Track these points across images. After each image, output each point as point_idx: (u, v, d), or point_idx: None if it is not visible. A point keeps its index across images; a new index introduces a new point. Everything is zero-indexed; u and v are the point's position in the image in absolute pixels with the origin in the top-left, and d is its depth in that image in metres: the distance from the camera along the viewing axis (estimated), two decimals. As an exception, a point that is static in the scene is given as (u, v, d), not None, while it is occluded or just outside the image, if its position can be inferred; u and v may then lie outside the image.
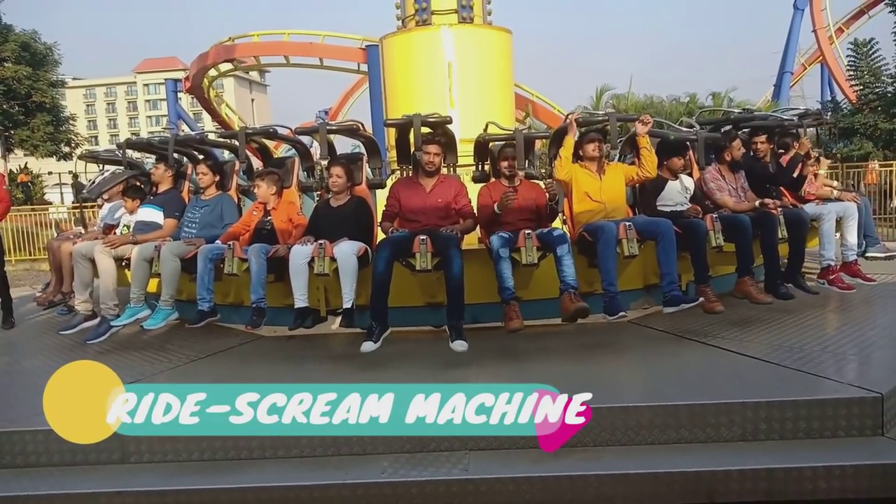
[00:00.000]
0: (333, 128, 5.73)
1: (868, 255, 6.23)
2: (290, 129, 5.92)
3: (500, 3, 10.92)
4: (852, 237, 5.83)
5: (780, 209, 5.31)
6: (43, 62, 29.20)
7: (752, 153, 5.99)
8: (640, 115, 5.12)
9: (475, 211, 5.10)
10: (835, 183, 6.42)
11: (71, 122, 32.19)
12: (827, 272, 5.64)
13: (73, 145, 31.20)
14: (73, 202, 22.00)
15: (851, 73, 20.37)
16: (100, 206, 6.47)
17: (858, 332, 4.72)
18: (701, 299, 4.67)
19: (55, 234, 7.99)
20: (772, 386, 3.68)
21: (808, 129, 6.89)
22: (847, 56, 21.18)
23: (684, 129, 5.47)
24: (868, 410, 3.41)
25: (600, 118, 5.04)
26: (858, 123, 18.85)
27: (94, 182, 6.34)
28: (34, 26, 29.79)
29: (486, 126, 5.59)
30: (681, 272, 4.88)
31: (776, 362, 4.06)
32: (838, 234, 5.88)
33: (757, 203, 5.38)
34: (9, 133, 28.09)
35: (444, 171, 5.52)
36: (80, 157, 7.71)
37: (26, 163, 30.41)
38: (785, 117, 6.21)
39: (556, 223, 5.29)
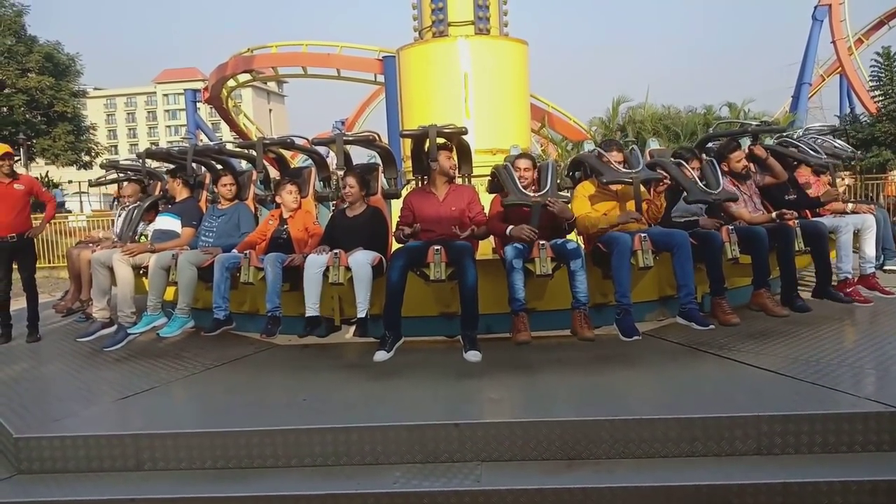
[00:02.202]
0: (350, 138, 5.77)
1: (886, 267, 6.16)
2: (307, 140, 5.96)
3: (516, 15, 10.97)
4: (870, 249, 5.76)
5: (797, 221, 5.27)
6: (65, 73, 29.73)
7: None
8: (662, 183, 4.92)
9: (487, 218, 5.11)
10: (847, 198, 6.24)
11: (91, 131, 32.71)
12: (844, 285, 5.58)
13: (93, 154, 31.68)
14: None
15: (874, 83, 20.20)
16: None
17: (876, 346, 4.67)
18: (711, 326, 4.63)
19: (74, 242, 8.12)
20: (788, 399, 3.65)
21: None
22: (871, 65, 20.98)
23: (709, 186, 5.20)
24: (885, 425, 3.37)
25: (627, 179, 4.91)
26: (879, 132, 18.69)
27: (120, 226, 6.38)
28: (57, 38, 30.31)
29: (504, 166, 5.20)
30: (696, 284, 4.85)
31: (792, 375, 4.02)
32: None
33: (774, 214, 5.33)
34: (31, 142, 28.54)
35: (458, 181, 5.54)
36: (101, 166, 7.84)
37: (47, 171, 30.84)
38: (812, 156, 5.96)
39: (571, 235, 5.27)
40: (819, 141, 6.45)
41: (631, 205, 4.89)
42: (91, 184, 8.52)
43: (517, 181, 4.90)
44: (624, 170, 4.93)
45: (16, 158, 6.27)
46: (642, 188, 4.91)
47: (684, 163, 5.17)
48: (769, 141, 6.26)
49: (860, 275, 5.76)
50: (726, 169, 5.60)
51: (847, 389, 3.76)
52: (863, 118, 21.35)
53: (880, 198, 15.08)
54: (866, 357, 4.41)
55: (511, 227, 4.76)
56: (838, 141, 6.70)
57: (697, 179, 5.01)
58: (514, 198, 4.79)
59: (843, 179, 7.05)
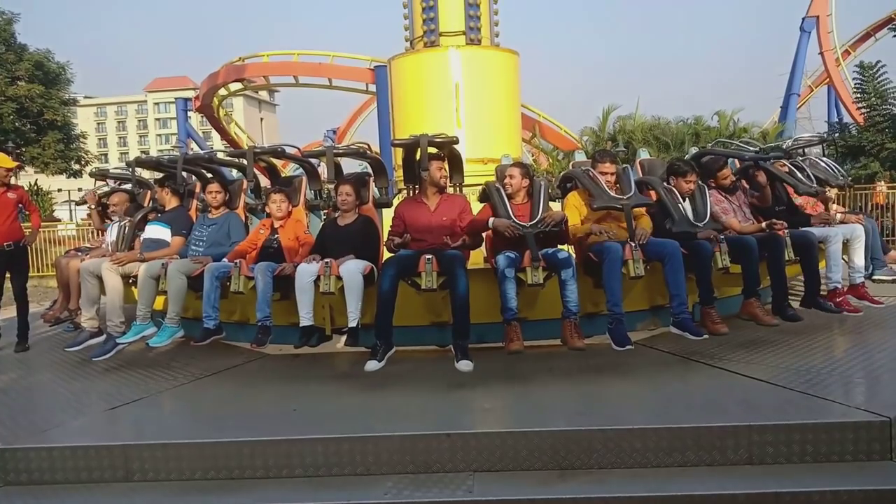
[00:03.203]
0: (340, 151, 5.76)
1: (875, 277, 6.18)
2: (298, 149, 5.95)
3: (507, 25, 11.03)
4: (859, 259, 5.78)
5: (786, 231, 5.30)
6: (55, 81, 29.61)
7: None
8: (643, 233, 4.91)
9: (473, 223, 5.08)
10: (838, 208, 6.21)
11: (81, 139, 32.57)
12: (834, 294, 5.59)
13: (83, 163, 31.54)
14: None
15: (858, 95, 20.42)
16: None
17: (866, 356, 4.69)
18: (705, 335, 4.66)
19: (63, 251, 8.10)
20: (779, 409, 3.66)
21: (814, 149, 6.83)
22: (853, 78, 21.22)
23: (696, 214, 5.26)
24: (875, 434, 3.38)
25: (618, 206, 4.91)
26: (866, 140, 18.85)
27: (113, 239, 6.35)
28: (48, 46, 30.25)
29: (496, 188, 5.12)
30: (688, 293, 4.85)
31: (783, 385, 4.04)
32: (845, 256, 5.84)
33: (764, 224, 5.35)
34: (20, 150, 28.38)
35: (449, 190, 5.55)
36: (91, 175, 7.82)
37: (36, 180, 30.68)
38: (802, 181, 5.83)
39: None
40: (810, 162, 6.41)
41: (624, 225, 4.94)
42: (78, 202, 8.50)
43: (509, 208, 4.92)
44: (615, 195, 4.96)
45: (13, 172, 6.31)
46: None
47: (674, 188, 5.28)
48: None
49: (850, 284, 5.78)
50: (714, 184, 5.63)
51: (838, 399, 3.78)
52: (851, 127, 21.53)
53: (868, 207, 15.18)
54: (856, 366, 4.43)
55: (493, 218, 4.77)
56: (829, 161, 6.62)
57: (685, 207, 5.15)
58: (493, 223, 4.80)
59: (829, 193, 7.00)
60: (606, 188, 5.01)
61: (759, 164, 5.76)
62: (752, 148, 6.08)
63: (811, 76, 30.64)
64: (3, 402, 4.51)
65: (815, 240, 5.43)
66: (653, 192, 5.30)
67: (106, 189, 7.34)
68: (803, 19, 27.50)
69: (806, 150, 6.68)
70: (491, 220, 4.79)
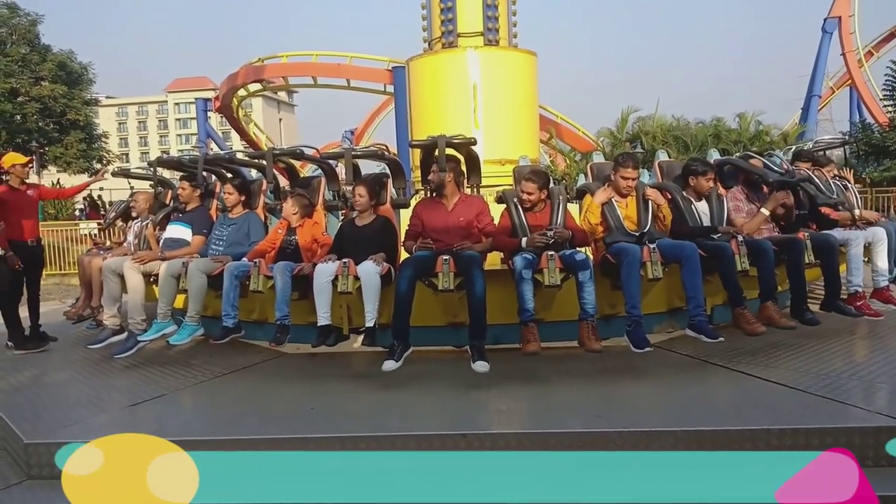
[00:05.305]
0: (359, 153, 5.79)
1: (897, 282, 6.09)
2: (317, 150, 5.99)
3: (525, 26, 11.03)
4: (882, 262, 5.70)
5: (807, 234, 5.24)
6: (78, 81, 30.06)
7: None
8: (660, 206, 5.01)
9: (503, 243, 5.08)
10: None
11: (103, 139, 33.02)
12: (855, 298, 5.53)
13: (104, 162, 31.94)
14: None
15: (887, 93, 20.12)
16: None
17: (888, 360, 4.61)
18: (721, 338, 4.62)
19: (85, 250, 8.22)
20: (798, 413, 3.62)
21: (836, 152, 6.76)
22: (886, 75, 20.90)
23: (711, 221, 5.31)
24: (897, 440, 3.34)
25: (632, 241, 4.90)
26: (892, 141, 18.54)
27: (134, 239, 6.44)
28: (71, 46, 30.72)
29: (515, 203, 5.15)
30: (705, 296, 4.81)
31: (802, 389, 3.99)
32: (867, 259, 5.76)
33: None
34: (43, 150, 28.80)
35: (467, 191, 5.55)
36: (113, 174, 7.93)
37: (59, 179, 31.11)
38: (823, 192, 5.82)
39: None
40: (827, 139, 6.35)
41: None
42: (102, 227, 8.65)
43: (525, 222, 4.97)
44: (631, 231, 4.97)
45: (30, 166, 6.37)
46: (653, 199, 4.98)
47: (692, 198, 5.32)
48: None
49: (874, 288, 5.70)
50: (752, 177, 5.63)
51: (858, 403, 3.73)
52: (874, 128, 21.24)
53: (891, 211, 14.97)
54: (878, 370, 4.37)
55: (524, 238, 4.78)
56: (848, 184, 6.50)
57: (701, 212, 5.22)
58: (526, 242, 4.81)
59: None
60: (622, 218, 5.03)
61: (784, 186, 5.63)
62: (777, 169, 5.88)
63: (833, 77, 30.32)
64: (26, 398, 4.58)
65: (835, 243, 5.38)
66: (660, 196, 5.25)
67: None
68: (825, 20, 27.22)
69: (827, 152, 6.62)
70: (524, 240, 4.79)
